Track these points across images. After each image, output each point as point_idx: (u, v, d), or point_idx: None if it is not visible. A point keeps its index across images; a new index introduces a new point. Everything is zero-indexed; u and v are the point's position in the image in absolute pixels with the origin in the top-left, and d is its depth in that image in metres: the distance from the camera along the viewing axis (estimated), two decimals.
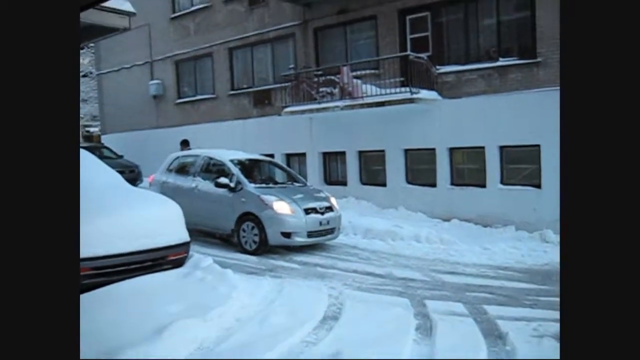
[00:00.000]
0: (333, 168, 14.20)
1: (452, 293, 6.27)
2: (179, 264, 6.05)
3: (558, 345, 4.27)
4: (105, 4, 5.67)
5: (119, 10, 5.96)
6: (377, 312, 5.21)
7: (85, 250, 5.06)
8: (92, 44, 23.11)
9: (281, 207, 8.41)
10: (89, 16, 5.43)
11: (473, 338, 4.54)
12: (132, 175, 14.50)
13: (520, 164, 11.20)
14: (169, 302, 4.80)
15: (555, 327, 4.78)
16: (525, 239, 9.95)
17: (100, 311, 4.61)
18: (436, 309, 5.43)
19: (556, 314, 5.20)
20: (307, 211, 8.56)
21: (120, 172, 9.07)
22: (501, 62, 11.12)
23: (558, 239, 9.57)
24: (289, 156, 14.86)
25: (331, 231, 8.95)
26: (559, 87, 9.98)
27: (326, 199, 9.22)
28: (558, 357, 2.58)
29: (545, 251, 8.96)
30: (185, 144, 13.21)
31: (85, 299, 4.76)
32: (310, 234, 8.55)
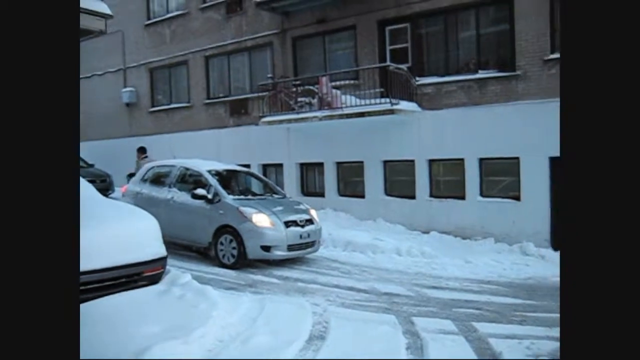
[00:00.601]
0: (310, 179, 14.01)
1: (438, 309, 6.11)
2: (155, 280, 5.74)
3: None
4: (81, 5, 5.39)
5: (94, 11, 5.68)
6: (364, 331, 5.01)
7: None
8: None
9: (261, 219, 8.16)
10: None
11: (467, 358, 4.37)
12: (104, 185, 14.05)
13: (499, 176, 11.17)
14: (147, 322, 4.51)
15: (548, 345, 4.67)
16: (505, 252, 9.90)
17: None
18: (425, 326, 5.26)
19: (547, 331, 5.11)
20: (287, 224, 8.33)
21: (91, 182, 8.74)
22: (480, 74, 11.13)
23: (538, 252, 9.55)
24: (265, 167, 14.61)
25: (312, 244, 8.72)
26: (538, 100, 10.03)
27: (306, 211, 9.00)
28: None
29: (527, 264, 8.92)
30: (141, 151, 12.75)
31: None
32: (290, 248, 8.32)
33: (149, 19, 17.34)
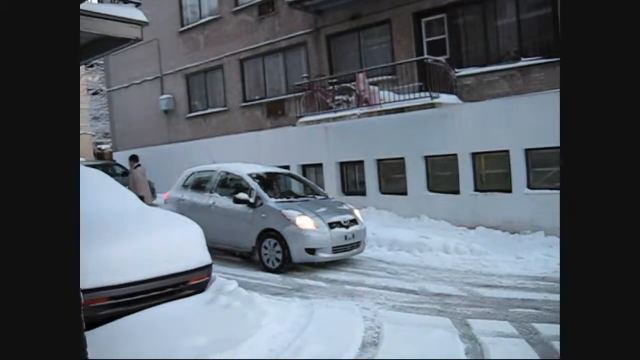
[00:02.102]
0: (351, 178, 13.82)
1: (494, 310, 5.83)
2: (201, 288, 5.65)
3: None
4: (117, 14, 5.37)
5: (130, 19, 5.64)
6: (418, 336, 4.80)
7: (102, 279, 4.73)
8: (101, 62, 22.98)
9: (304, 222, 8.02)
10: (99, 27, 5.09)
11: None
12: None
13: (547, 167, 10.73)
14: (194, 333, 4.41)
15: None
16: (557, 246, 9.42)
17: (118, 346, 4.24)
18: (482, 329, 5.00)
19: None
20: (332, 225, 8.16)
21: None
22: (523, 62, 10.72)
23: None
24: (305, 167, 14.49)
25: (357, 245, 8.53)
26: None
27: (350, 211, 8.82)
28: None
29: None
30: (133, 159, 12.69)
31: (101, 332, 4.40)
32: (335, 250, 8.14)
33: (182, 25, 17.46)
